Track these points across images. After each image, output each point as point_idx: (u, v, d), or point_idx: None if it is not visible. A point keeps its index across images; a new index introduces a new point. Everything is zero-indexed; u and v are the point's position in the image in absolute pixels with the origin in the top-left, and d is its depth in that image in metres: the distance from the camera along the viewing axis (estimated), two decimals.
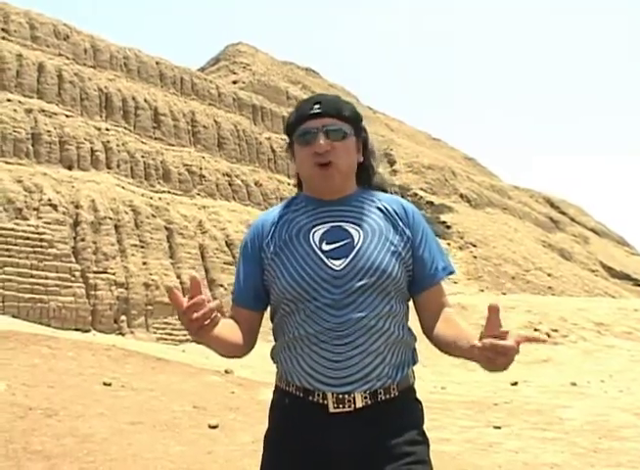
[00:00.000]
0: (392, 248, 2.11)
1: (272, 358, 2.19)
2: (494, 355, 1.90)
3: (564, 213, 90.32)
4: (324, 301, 2.04)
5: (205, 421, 7.96)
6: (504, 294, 43.93)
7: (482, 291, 46.01)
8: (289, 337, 2.11)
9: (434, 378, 20.01)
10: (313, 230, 2.13)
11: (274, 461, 2.12)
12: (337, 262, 2.06)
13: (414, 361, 2.20)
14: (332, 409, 2.02)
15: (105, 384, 9.19)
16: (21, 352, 10.43)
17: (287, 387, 2.12)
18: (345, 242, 2.09)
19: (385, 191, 2.36)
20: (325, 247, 2.09)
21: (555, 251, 69.11)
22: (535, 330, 28.32)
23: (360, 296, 2.04)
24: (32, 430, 6.45)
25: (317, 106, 2.18)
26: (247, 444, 7.00)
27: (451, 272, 2.24)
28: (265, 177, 52.83)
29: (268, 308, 2.28)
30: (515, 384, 18.19)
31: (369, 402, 2.02)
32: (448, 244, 56.63)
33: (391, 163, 71.76)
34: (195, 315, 1.79)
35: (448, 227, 59.65)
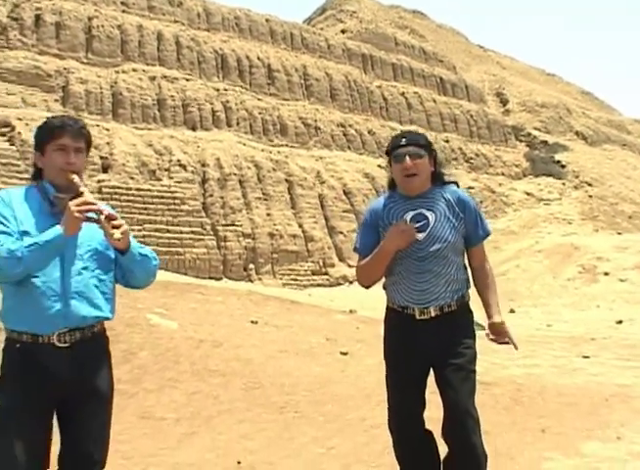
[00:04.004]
0: (452, 224, 3.66)
1: (383, 288, 3.80)
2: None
3: None
4: (414, 256, 3.64)
5: (336, 350, 9.72)
6: (619, 234, 43.28)
7: (597, 231, 45.31)
8: (393, 276, 3.73)
9: (543, 317, 21.03)
10: (405, 215, 3.68)
11: (389, 346, 3.77)
12: (419, 235, 3.64)
13: (467, 287, 3.75)
14: (417, 317, 3.65)
15: (252, 322, 11.08)
16: (180, 299, 12.47)
17: (392, 305, 3.76)
18: (424, 222, 3.66)
19: (457, 185, 3.88)
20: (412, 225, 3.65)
21: None
22: None
23: (433, 254, 3.62)
24: (207, 356, 8.37)
25: (404, 140, 3.71)
26: (371, 365, 8.62)
27: (487, 236, 3.78)
28: (378, 125, 53.81)
29: None
30: (620, 322, 18.81)
31: (438, 313, 3.63)
32: (563, 184, 55.85)
33: (504, 102, 70.44)
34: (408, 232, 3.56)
35: (563, 166, 58.34)
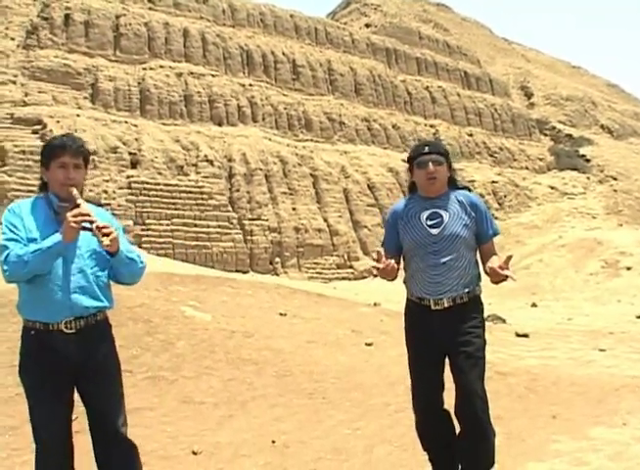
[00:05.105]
0: (464, 222, 4.15)
1: (404, 282, 4.29)
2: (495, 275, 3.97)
3: None
4: (428, 250, 4.14)
5: (362, 341, 10.19)
6: None
7: (621, 225, 45.31)
8: (412, 269, 4.23)
9: (565, 311, 21.28)
10: (422, 213, 4.20)
11: (409, 334, 4.26)
12: (434, 231, 4.14)
13: (478, 281, 4.22)
14: (432, 308, 4.13)
15: (281, 314, 11.55)
16: (212, 292, 12.96)
17: (411, 297, 4.26)
18: (439, 220, 4.16)
19: (468, 189, 4.37)
20: (428, 222, 4.19)
21: None
22: None
23: (447, 248, 4.11)
24: (239, 346, 8.89)
25: (427, 148, 4.22)
26: (394, 356, 9.06)
27: (495, 235, 4.25)
28: (402, 120, 54.07)
29: None
30: None
31: (451, 304, 4.11)
32: (587, 178, 55.51)
33: (528, 95, 70.12)
34: (384, 270, 3.95)
35: (588, 161, 57.91)
